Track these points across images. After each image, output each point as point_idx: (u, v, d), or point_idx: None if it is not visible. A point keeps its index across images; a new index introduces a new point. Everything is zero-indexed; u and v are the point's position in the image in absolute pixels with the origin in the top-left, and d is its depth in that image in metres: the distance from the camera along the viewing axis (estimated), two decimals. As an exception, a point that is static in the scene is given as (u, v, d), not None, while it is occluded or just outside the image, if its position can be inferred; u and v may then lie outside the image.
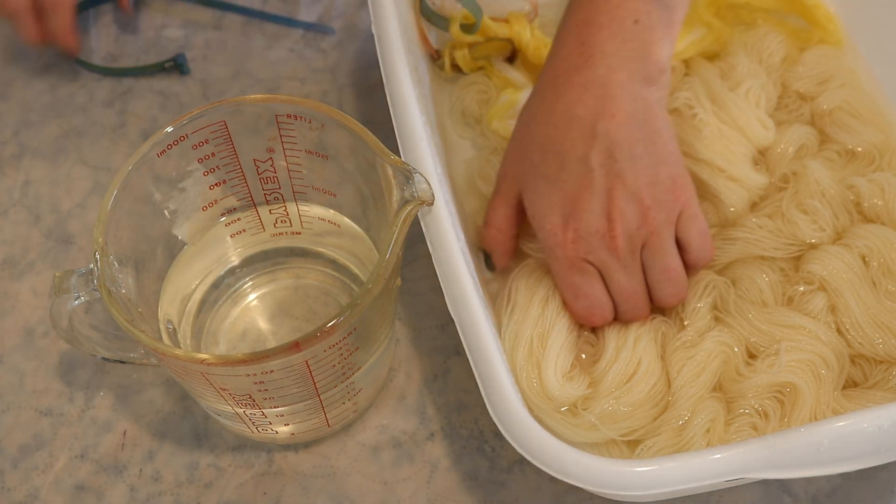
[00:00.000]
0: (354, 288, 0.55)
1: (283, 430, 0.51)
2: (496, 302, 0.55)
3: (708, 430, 0.51)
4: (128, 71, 0.69)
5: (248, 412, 0.48)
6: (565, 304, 0.53)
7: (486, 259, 0.57)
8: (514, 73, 0.63)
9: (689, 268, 0.53)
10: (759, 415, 0.51)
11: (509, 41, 0.64)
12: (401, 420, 0.54)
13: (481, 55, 0.64)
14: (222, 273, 0.55)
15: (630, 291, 0.51)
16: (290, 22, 0.69)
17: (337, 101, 0.67)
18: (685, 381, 0.52)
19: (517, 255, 0.57)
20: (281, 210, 0.54)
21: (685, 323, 0.54)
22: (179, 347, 0.51)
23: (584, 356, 0.54)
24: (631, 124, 0.49)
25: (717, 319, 0.54)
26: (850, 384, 0.53)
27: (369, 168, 0.47)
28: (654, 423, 0.51)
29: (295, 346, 0.42)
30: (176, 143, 0.48)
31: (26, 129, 0.66)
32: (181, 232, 0.52)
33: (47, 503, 0.52)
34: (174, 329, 0.52)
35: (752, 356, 0.53)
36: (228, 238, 0.54)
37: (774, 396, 0.51)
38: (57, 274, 0.46)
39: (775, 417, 0.50)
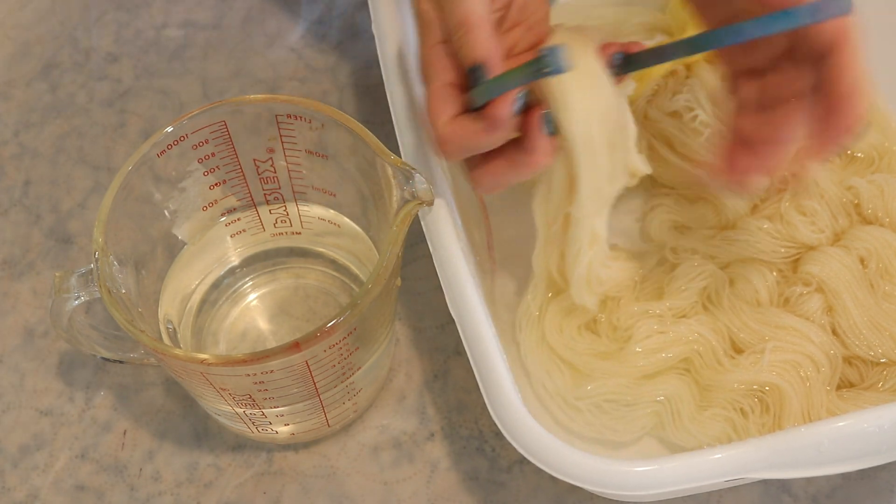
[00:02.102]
0: (354, 288, 0.55)
1: (283, 430, 0.51)
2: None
3: (668, 400, 0.51)
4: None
5: (248, 412, 0.48)
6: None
7: None
8: None
9: None
10: (737, 411, 0.51)
11: None
12: (401, 420, 0.54)
13: None
14: (222, 273, 0.55)
15: None
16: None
17: (337, 101, 0.67)
18: (647, 348, 0.52)
19: None
20: (281, 210, 0.54)
21: (666, 302, 0.54)
22: (179, 347, 0.51)
23: None
24: None
25: (704, 308, 0.54)
26: (845, 385, 0.53)
27: (369, 168, 0.47)
28: (605, 364, 0.52)
29: (295, 346, 0.42)
30: (176, 143, 0.48)
31: (26, 129, 0.67)
32: (181, 232, 0.52)
33: (47, 503, 0.52)
34: (174, 329, 0.52)
35: (738, 351, 0.53)
36: (228, 238, 0.54)
37: (755, 395, 0.51)
38: (57, 274, 0.46)
39: (754, 415, 0.51)
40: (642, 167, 0.49)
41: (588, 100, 0.45)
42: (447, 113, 0.44)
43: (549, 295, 0.54)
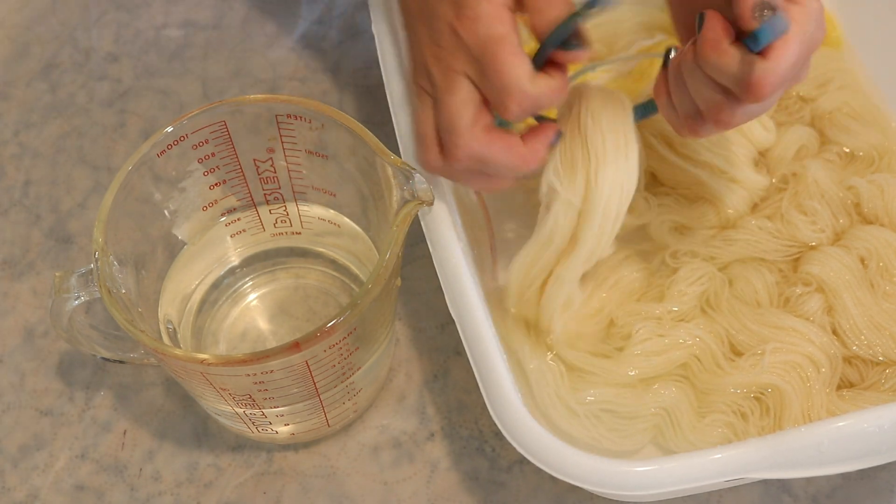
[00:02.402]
0: (354, 288, 0.55)
1: (283, 430, 0.51)
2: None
3: (667, 411, 0.51)
4: None
5: (248, 412, 0.48)
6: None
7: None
8: None
9: None
10: (737, 415, 0.51)
11: None
12: (401, 420, 0.54)
13: None
14: (222, 273, 0.55)
15: None
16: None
17: (337, 101, 0.67)
18: (646, 351, 0.52)
19: None
20: (281, 210, 0.54)
21: (666, 304, 0.54)
22: (179, 347, 0.51)
23: None
24: None
25: (703, 311, 0.54)
26: (845, 385, 0.53)
27: (369, 168, 0.47)
28: (603, 363, 0.52)
29: (295, 346, 0.42)
30: (176, 143, 0.48)
31: (26, 129, 0.67)
32: (181, 232, 0.52)
33: (47, 503, 0.52)
34: (174, 329, 0.52)
35: (738, 354, 0.53)
36: (228, 238, 0.54)
37: (755, 397, 0.51)
38: (57, 274, 0.46)
39: (754, 417, 0.50)
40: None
41: (620, 172, 0.48)
42: (529, 70, 0.44)
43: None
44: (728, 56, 0.43)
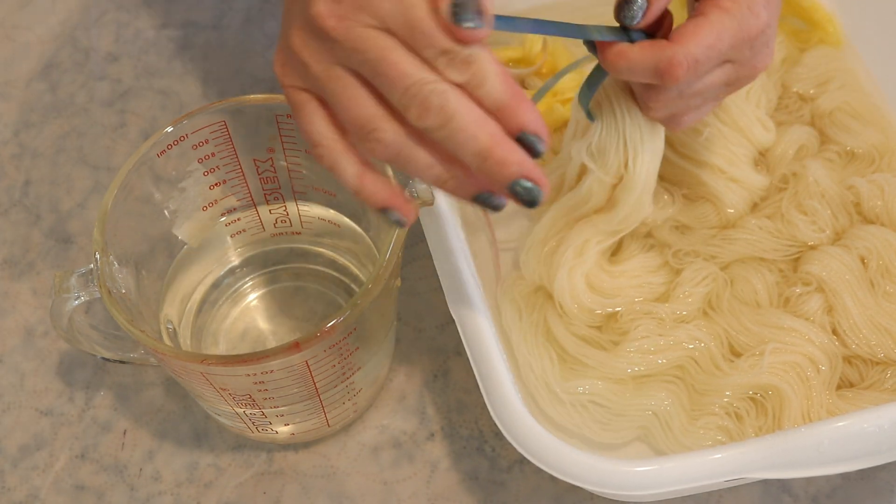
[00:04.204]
0: (354, 288, 0.55)
1: (283, 430, 0.51)
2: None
3: (657, 414, 0.51)
4: None
5: (248, 412, 0.48)
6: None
7: None
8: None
9: None
10: (732, 416, 0.51)
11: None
12: (401, 420, 0.54)
13: None
14: (222, 273, 0.55)
15: None
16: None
17: (337, 101, 0.67)
18: (641, 349, 0.52)
19: None
20: (281, 210, 0.54)
21: (672, 306, 0.54)
22: (179, 347, 0.51)
23: None
24: None
25: (704, 313, 0.54)
26: (845, 384, 0.53)
27: (369, 168, 0.47)
28: (597, 353, 0.52)
29: (295, 346, 0.42)
30: (176, 143, 0.48)
31: (26, 129, 0.67)
32: (181, 232, 0.52)
33: (47, 503, 0.52)
34: (174, 329, 0.52)
35: (737, 354, 0.53)
36: (228, 238, 0.54)
37: (752, 398, 0.51)
38: (57, 274, 0.46)
39: (750, 418, 0.50)
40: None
41: (653, 154, 0.51)
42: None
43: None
44: (634, 56, 0.44)
